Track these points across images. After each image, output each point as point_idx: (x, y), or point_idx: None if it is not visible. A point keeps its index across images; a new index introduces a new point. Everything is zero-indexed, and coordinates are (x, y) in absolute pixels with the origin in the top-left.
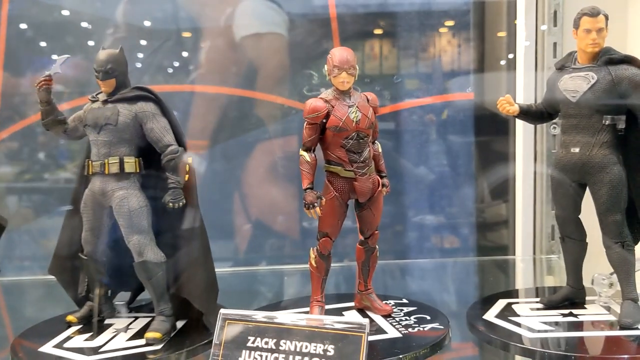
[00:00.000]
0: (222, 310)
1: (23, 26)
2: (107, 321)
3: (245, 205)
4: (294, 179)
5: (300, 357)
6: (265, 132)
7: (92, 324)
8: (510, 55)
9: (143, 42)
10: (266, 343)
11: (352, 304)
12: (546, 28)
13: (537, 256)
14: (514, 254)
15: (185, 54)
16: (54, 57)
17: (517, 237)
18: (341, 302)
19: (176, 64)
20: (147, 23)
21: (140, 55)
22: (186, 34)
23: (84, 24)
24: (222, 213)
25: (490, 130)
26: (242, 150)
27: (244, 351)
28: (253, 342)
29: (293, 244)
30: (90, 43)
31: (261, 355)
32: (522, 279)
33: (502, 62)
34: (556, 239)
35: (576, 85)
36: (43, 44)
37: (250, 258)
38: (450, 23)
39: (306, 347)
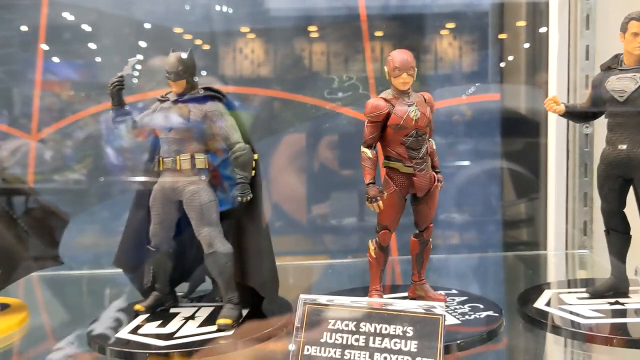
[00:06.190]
0: (301, 296)
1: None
2: (171, 310)
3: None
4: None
5: (380, 338)
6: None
7: (159, 313)
8: (521, 56)
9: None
10: (346, 325)
11: (404, 294)
12: (579, 31)
13: (569, 251)
14: (546, 249)
15: None
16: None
17: (549, 232)
18: (392, 293)
19: None
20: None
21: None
22: None
23: None
24: None
25: (517, 130)
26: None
27: (325, 333)
28: (334, 325)
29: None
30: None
31: (342, 337)
32: (555, 273)
33: (530, 63)
34: (588, 234)
35: (623, 85)
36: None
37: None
38: (463, 24)
39: (386, 329)
